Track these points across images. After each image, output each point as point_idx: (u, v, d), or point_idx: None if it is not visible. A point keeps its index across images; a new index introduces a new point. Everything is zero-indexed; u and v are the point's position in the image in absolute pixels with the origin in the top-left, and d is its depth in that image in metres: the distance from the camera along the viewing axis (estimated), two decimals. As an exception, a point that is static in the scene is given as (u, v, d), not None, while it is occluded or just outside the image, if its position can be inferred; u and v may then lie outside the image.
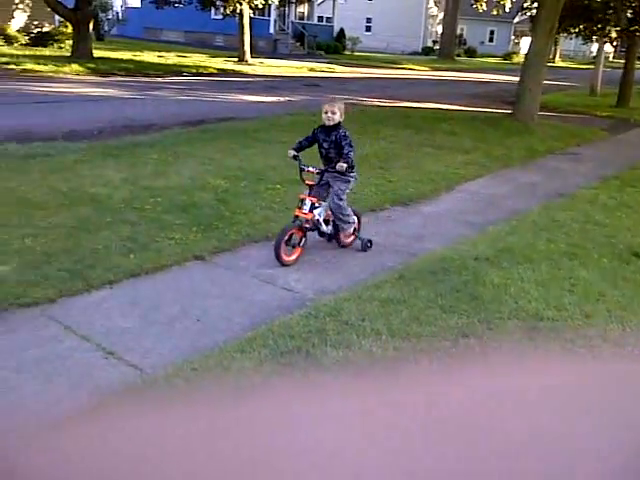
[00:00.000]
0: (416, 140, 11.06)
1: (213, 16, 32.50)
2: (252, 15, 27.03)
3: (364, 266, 5.27)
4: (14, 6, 24.48)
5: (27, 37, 24.07)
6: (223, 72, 22.57)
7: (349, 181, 5.25)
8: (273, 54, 33.37)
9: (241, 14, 25.58)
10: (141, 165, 7.82)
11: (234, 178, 7.53)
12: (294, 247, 5.10)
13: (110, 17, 34.27)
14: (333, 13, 41.74)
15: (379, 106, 15.98)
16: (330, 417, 0.41)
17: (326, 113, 5.06)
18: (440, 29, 48.91)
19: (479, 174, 9.07)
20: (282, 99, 16.37)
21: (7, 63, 18.17)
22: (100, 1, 29.21)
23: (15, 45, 23.04)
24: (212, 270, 5.01)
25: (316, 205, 5.13)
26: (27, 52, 21.07)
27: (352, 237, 5.56)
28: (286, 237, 5.02)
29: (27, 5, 24.74)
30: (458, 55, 47.04)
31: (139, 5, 37.10)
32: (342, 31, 42.41)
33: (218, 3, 25.51)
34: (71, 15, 20.82)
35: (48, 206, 5.96)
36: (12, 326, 3.81)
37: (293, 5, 36.52)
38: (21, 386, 3.18)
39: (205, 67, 22.95)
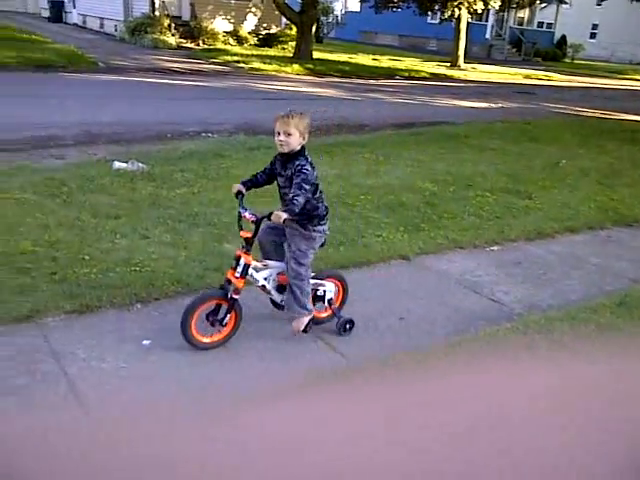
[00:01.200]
0: (643, 157, 10.11)
1: (429, 21, 32.61)
2: (469, 20, 26.61)
3: (577, 286, 4.94)
4: (247, 10, 26.72)
5: (255, 38, 26.13)
6: (435, 76, 22.53)
7: (313, 238, 3.55)
8: (487, 59, 32.57)
9: (458, 19, 25.31)
10: (353, 163, 8.09)
11: (442, 182, 7.48)
12: (213, 324, 3.42)
13: (330, 20, 35.94)
14: (555, 19, 39.57)
15: (601, 118, 14.86)
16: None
17: (278, 135, 3.38)
18: (678, 37, 44.12)
19: None
20: (494, 105, 15.92)
21: (238, 62, 19.95)
22: (323, 5, 30.76)
23: (245, 45, 25.12)
24: (416, 271, 5.03)
25: (259, 267, 3.55)
26: (254, 52, 22.85)
27: (327, 312, 3.92)
28: (203, 308, 3.40)
29: (259, 9, 26.84)
30: (698, 66, 42.11)
31: (358, 9, 38.41)
32: (563, 38, 40.16)
33: (436, 8, 25.48)
34: (297, 18, 22.17)
35: (267, 195, 6.39)
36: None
37: (513, 10, 35.26)
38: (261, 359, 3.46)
39: (417, 71, 23.09)
